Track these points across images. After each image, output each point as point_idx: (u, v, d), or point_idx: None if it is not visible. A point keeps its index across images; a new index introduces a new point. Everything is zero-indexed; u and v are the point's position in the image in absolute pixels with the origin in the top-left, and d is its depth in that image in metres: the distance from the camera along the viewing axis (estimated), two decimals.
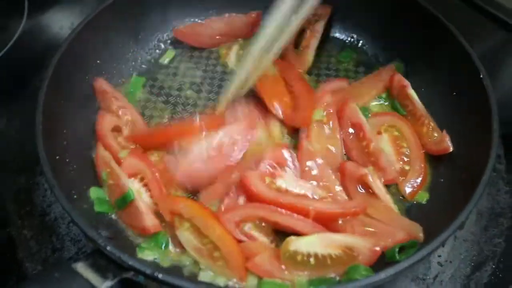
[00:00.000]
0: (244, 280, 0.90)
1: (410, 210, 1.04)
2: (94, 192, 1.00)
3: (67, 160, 1.01)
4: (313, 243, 0.89)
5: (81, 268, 0.80)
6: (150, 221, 0.94)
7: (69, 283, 0.77)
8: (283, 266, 0.89)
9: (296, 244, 0.88)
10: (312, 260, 0.89)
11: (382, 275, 0.80)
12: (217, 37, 1.34)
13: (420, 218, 1.01)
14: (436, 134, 1.11)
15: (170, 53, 1.32)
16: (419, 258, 0.82)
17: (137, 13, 1.28)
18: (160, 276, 0.79)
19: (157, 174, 1.00)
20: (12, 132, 1.22)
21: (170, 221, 0.95)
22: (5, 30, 1.40)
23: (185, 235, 0.93)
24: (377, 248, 0.90)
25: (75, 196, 0.96)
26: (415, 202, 1.05)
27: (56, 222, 1.05)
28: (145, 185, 1.00)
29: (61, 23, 1.47)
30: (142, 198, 0.99)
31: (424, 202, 1.04)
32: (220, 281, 0.90)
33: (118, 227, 0.98)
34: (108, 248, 0.81)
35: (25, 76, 1.31)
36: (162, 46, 1.34)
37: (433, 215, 0.99)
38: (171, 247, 0.96)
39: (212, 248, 0.91)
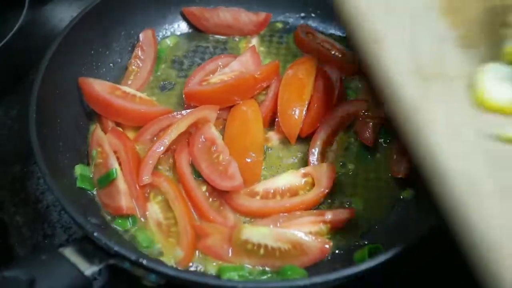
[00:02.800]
0: (189, 260, 0.93)
1: (397, 206, 1.05)
2: (79, 169, 1.03)
3: (61, 149, 1.03)
4: (265, 235, 0.91)
5: (68, 253, 0.82)
6: (125, 201, 0.97)
7: (55, 267, 0.79)
8: (230, 251, 0.93)
9: (248, 233, 0.91)
10: (261, 250, 0.91)
11: (363, 266, 0.83)
12: (221, 27, 1.36)
13: (405, 214, 1.03)
14: None
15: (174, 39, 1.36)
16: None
17: (136, 6, 1.30)
18: (144, 262, 0.81)
19: (130, 155, 1.02)
20: (9, 122, 1.24)
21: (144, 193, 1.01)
22: (5, 22, 1.42)
23: (154, 207, 1.00)
24: (327, 246, 0.92)
25: (66, 184, 0.98)
26: (402, 197, 1.06)
27: (48, 209, 1.07)
28: (120, 164, 1.02)
29: (61, 15, 1.49)
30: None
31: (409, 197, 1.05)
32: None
33: (106, 217, 1.00)
34: (95, 234, 0.83)
35: (23, 67, 1.34)
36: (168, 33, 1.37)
37: (418, 212, 1.01)
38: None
39: (171, 224, 0.97)
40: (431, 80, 0.79)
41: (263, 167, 1.09)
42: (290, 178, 1.05)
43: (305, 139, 1.13)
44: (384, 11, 0.86)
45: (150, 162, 1.01)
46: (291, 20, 1.42)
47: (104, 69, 1.24)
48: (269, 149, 1.13)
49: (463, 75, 0.80)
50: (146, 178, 1.00)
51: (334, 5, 0.92)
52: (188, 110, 1.11)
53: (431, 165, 0.72)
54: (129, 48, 1.29)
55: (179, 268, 0.92)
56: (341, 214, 0.98)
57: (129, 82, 1.23)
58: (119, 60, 1.28)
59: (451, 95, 0.78)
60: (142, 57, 1.27)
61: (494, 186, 0.68)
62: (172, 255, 0.95)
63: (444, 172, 0.70)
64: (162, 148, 1.02)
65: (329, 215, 0.98)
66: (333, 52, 1.30)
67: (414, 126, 0.75)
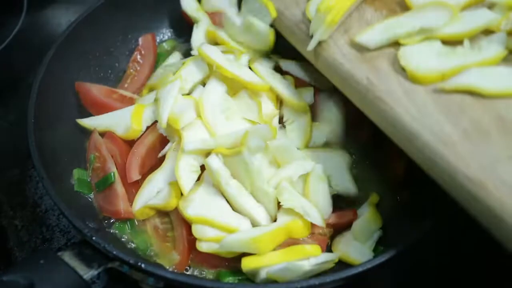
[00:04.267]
0: (185, 265, 0.93)
1: (394, 207, 1.05)
2: (77, 173, 1.04)
3: (58, 153, 1.03)
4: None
5: (67, 257, 0.82)
6: (123, 205, 0.98)
7: (54, 271, 0.79)
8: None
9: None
10: None
11: (360, 268, 0.83)
12: None
13: (403, 216, 1.03)
14: None
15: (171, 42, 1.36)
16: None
17: (133, 11, 1.31)
18: (143, 266, 0.82)
19: (126, 159, 1.03)
20: (7, 126, 1.25)
21: None
22: (4, 26, 1.43)
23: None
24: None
25: (64, 188, 0.98)
26: (399, 199, 1.06)
27: (47, 213, 1.08)
28: (117, 168, 1.03)
29: (59, 20, 1.49)
30: None
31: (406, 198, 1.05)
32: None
33: (104, 221, 1.00)
34: (94, 238, 0.84)
35: (22, 71, 1.34)
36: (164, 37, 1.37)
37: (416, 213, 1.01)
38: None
39: (168, 228, 0.98)
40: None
41: None
42: None
43: None
44: None
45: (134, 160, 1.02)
46: None
47: (101, 74, 1.25)
48: None
49: None
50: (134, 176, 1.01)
51: None
52: None
53: (401, 133, 0.80)
54: (127, 53, 1.30)
55: (177, 271, 0.92)
56: (344, 216, 0.99)
57: (126, 86, 1.24)
58: (117, 64, 1.29)
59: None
60: (140, 61, 1.28)
61: (457, 131, 0.75)
62: (168, 259, 0.95)
63: (413, 133, 0.78)
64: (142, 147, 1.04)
65: (332, 218, 0.98)
66: None
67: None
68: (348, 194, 1.02)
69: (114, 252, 0.83)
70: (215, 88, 1.03)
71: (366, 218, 0.97)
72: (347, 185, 1.02)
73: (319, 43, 0.96)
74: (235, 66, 1.05)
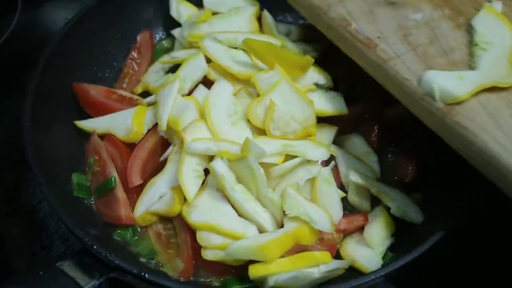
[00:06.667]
0: (189, 272, 0.90)
1: None
2: (76, 178, 1.01)
3: (57, 157, 1.01)
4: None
5: (67, 267, 0.80)
6: (124, 211, 0.95)
7: (53, 283, 0.77)
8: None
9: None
10: None
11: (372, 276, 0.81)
12: None
13: None
14: None
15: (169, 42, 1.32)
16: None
17: (131, 8, 1.27)
18: (146, 275, 0.79)
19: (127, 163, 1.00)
20: (3, 128, 1.22)
21: None
22: None
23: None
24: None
25: (63, 194, 0.95)
26: None
27: (45, 219, 1.05)
28: (118, 172, 1.00)
29: (55, 18, 1.46)
30: None
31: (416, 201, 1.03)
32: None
33: (105, 227, 0.97)
34: (95, 247, 0.81)
35: (17, 72, 1.30)
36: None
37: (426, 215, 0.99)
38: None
39: (171, 235, 0.95)
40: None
41: None
42: None
43: None
44: None
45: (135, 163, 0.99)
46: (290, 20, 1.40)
47: (100, 74, 1.21)
48: None
49: None
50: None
51: None
52: None
53: (483, 159, 0.72)
54: (125, 52, 1.26)
55: (182, 279, 0.90)
56: (355, 221, 0.96)
57: (124, 86, 1.20)
58: (115, 63, 1.25)
59: None
60: (138, 59, 1.25)
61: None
62: (172, 267, 0.92)
63: (494, 157, 0.70)
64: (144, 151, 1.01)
65: (342, 224, 0.95)
66: None
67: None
68: (360, 209, 1.00)
69: (117, 262, 0.80)
70: (223, 90, 0.99)
71: (379, 224, 0.94)
72: (364, 203, 0.99)
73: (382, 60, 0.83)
74: (229, 56, 1.03)
